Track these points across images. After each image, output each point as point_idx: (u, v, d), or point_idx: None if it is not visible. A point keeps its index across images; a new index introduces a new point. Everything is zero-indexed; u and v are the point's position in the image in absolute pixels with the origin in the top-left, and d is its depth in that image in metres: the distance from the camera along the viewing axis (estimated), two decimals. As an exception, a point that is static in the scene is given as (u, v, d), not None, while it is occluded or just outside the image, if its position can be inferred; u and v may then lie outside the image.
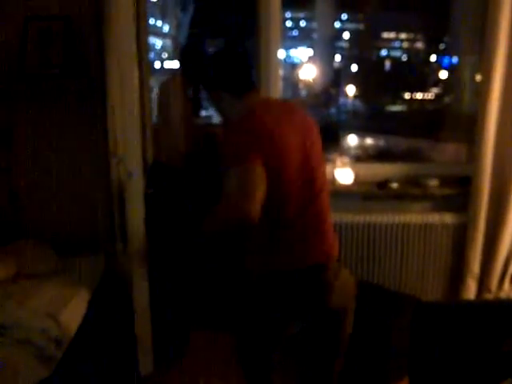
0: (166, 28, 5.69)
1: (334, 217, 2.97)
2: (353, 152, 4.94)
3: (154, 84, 3.93)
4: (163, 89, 3.72)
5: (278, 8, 3.00)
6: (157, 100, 3.76)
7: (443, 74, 5.37)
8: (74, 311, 2.47)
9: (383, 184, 3.05)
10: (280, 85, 3.14)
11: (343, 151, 4.83)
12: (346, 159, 3.13)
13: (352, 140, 5.20)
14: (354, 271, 3.08)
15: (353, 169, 3.09)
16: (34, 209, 2.92)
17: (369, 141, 5.24)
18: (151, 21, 4.80)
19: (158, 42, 5.59)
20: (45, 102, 2.82)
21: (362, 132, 5.37)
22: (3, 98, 2.81)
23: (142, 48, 3.10)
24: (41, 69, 2.77)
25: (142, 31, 3.11)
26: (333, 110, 5.99)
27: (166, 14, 5.39)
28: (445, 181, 3.10)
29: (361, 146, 5.17)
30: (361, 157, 4.44)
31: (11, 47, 2.78)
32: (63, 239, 2.90)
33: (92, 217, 2.89)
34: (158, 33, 5.62)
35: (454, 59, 4.21)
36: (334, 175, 3.07)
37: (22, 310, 2.37)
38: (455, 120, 3.65)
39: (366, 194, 3.05)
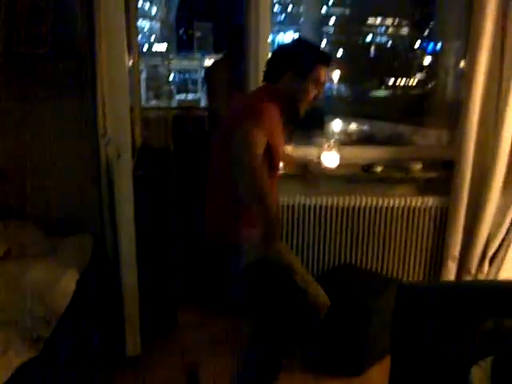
0: (153, 10, 5.65)
1: (320, 199, 3.05)
2: (337, 136, 4.96)
3: (143, 66, 3.94)
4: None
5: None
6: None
7: (427, 60, 5.41)
8: (62, 292, 2.47)
9: (367, 167, 3.09)
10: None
11: (328, 135, 4.85)
12: (333, 142, 3.16)
13: (337, 124, 5.22)
14: (338, 253, 3.13)
15: (338, 152, 3.12)
16: (22, 189, 2.91)
17: (353, 125, 5.27)
18: (139, 3, 4.76)
19: (146, 25, 5.55)
20: (32, 81, 2.79)
21: (346, 117, 5.38)
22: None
23: (132, 30, 3.09)
24: (29, 48, 2.76)
25: (132, 13, 3.10)
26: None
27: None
28: (428, 165, 3.16)
29: (345, 131, 5.19)
30: (345, 141, 4.46)
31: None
32: (52, 220, 2.90)
33: (81, 197, 2.89)
34: (146, 15, 5.57)
35: (439, 45, 4.24)
36: (320, 158, 3.10)
37: (10, 290, 2.38)
38: (438, 105, 3.70)
39: (350, 176, 3.09)
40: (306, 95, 2.15)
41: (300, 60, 2.12)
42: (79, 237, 2.88)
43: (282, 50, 2.28)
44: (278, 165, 2.26)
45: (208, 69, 4.12)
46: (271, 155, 2.11)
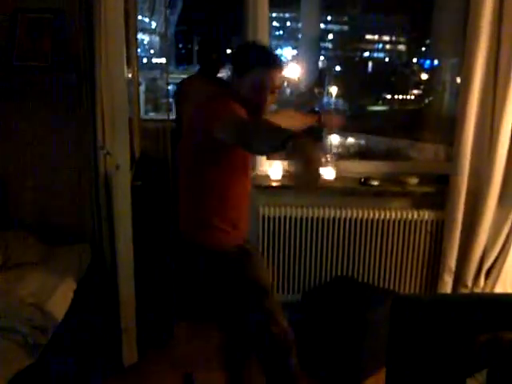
0: (153, 25, 5.71)
1: (317, 211, 3.07)
2: (335, 150, 5.00)
3: (142, 79, 3.97)
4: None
5: (265, 7, 3.05)
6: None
7: (424, 76, 5.47)
8: (59, 300, 2.49)
9: (364, 181, 3.12)
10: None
11: (326, 149, 4.88)
12: (329, 157, 3.20)
13: (334, 138, 5.26)
14: (334, 265, 3.15)
15: (335, 166, 3.15)
16: (22, 198, 2.93)
17: (350, 139, 5.30)
18: (139, 17, 4.81)
19: (145, 38, 5.61)
20: (33, 94, 2.84)
21: (344, 131, 5.42)
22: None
23: (131, 43, 3.13)
24: (29, 61, 2.79)
25: (131, 27, 3.14)
26: (317, 109, 6.05)
27: (154, 10, 5.41)
28: (424, 179, 3.19)
29: (342, 145, 5.22)
30: (342, 155, 4.50)
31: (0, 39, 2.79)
32: (50, 229, 2.92)
33: (79, 207, 2.92)
34: (146, 29, 5.63)
35: (435, 61, 4.29)
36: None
37: (8, 299, 2.39)
38: (435, 120, 3.74)
39: (347, 189, 3.11)
40: (249, 95, 1.98)
41: (238, 60, 2.03)
42: (77, 246, 2.90)
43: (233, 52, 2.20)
44: (244, 164, 2.11)
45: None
46: (231, 152, 1.98)
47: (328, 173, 3.11)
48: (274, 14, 6.17)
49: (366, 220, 3.09)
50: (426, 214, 3.11)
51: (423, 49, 5.61)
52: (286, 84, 5.84)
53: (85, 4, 2.74)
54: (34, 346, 2.23)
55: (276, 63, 2.00)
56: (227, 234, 2.10)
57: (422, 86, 5.49)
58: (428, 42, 5.21)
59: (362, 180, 3.13)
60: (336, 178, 3.13)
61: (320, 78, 6.24)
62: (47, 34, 2.82)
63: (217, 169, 2.01)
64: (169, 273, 3.14)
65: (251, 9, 3.01)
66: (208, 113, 1.95)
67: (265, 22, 3.07)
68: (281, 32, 6.71)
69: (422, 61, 5.61)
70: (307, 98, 6.09)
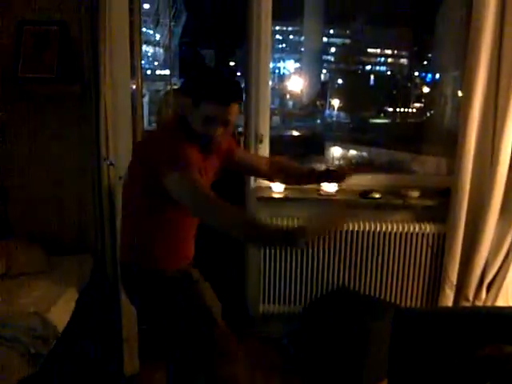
0: (157, 36, 5.75)
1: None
2: (336, 162, 5.02)
3: (146, 91, 4.00)
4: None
5: (268, 20, 3.08)
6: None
7: (426, 90, 5.50)
8: (61, 310, 2.49)
9: (366, 193, 3.13)
10: (269, 95, 3.21)
11: (326, 161, 4.91)
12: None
13: (336, 151, 5.28)
14: (336, 277, 3.15)
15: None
16: (24, 208, 2.94)
17: (352, 152, 5.33)
18: (143, 29, 4.85)
19: (149, 50, 5.65)
20: (38, 105, 2.86)
21: (345, 143, 5.45)
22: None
23: (135, 55, 3.15)
24: (34, 72, 2.82)
25: (136, 38, 3.17)
26: (318, 122, 6.09)
27: (158, 22, 5.46)
28: (425, 192, 3.19)
29: (344, 157, 5.25)
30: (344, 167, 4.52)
31: (6, 50, 2.82)
32: (53, 238, 2.93)
33: (82, 217, 2.93)
34: (150, 41, 5.68)
35: (437, 75, 4.32)
36: (319, 184, 3.14)
37: (10, 308, 2.40)
38: (436, 134, 3.76)
39: (349, 202, 3.12)
40: (198, 128, 1.86)
41: (193, 88, 1.90)
42: (79, 257, 2.91)
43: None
44: None
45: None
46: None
47: (330, 186, 3.12)
48: (276, 27, 6.21)
49: (368, 232, 3.09)
50: (428, 227, 3.11)
51: (425, 62, 5.64)
52: (288, 97, 5.89)
53: (90, 16, 2.77)
54: (36, 355, 2.23)
55: (230, 100, 1.84)
56: (170, 260, 2.06)
57: (423, 100, 5.52)
58: (429, 55, 5.25)
59: (363, 193, 3.13)
60: (337, 191, 3.14)
61: (322, 91, 6.29)
62: (52, 45, 2.85)
63: (164, 205, 1.90)
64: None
65: (254, 22, 3.04)
66: (156, 162, 1.80)
67: (268, 35, 3.10)
68: (283, 45, 6.75)
69: (423, 74, 5.65)
70: (309, 111, 6.14)
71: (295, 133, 5.67)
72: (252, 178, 3.16)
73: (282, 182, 2.59)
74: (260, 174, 2.42)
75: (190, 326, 2.02)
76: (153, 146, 1.92)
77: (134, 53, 3.02)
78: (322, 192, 3.13)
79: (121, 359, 2.74)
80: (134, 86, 3.03)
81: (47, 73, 2.82)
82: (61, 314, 2.47)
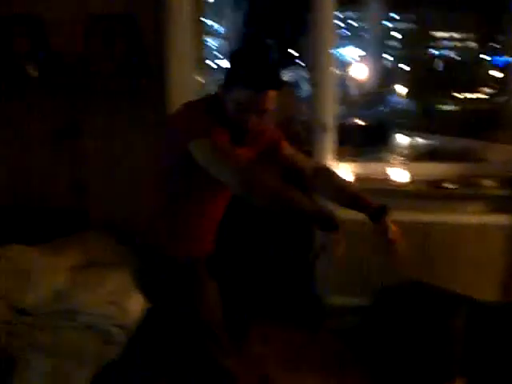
0: (220, 28, 5.78)
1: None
2: (404, 151, 4.91)
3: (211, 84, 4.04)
4: None
5: (331, 7, 3.04)
6: None
7: (496, 74, 5.29)
8: (138, 299, 2.57)
9: (438, 184, 3.05)
10: (334, 83, 3.17)
11: (394, 150, 4.82)
12: (400, 158, 3.15)
13: (402, 139, 5.17)
14: (408, 271, 3.08)
15: (407, 168, 3.10)
16: (100, 199, 3.05)
17: (419, 140, 5.20)
18: (206, 20, 4.89)
19: (212, 42, 5.70)
20: (109, 98, 2.95)
21: (412, 131, 5.32)
22: (69, 93, 2.96)
23: (199, 48, 3.19)
24: (103, 65, 2.90)
25: (199, 31, 3.20)
26: (383, 110, 5.98)
27: (221, 14, 5.49)
28: (501, 181, 3.08)
29: (412, 146, 5.13)
30: (412, 156, 4.41)
31: (76, 45, 2.92)
32: (129, 229, 3.02)
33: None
34: (213, 33, 5.72)
35: (509, 58, 4.15)
36: (387, 174, 3.09)
37: (90, 297, 2.51)
38: (510, 120, 3.61)
39: (419, 193, 3.05)
40: (230, 114, 1.69)
41: (228, 69, 1.72)
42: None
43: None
44: (225, 188, 1.78)
45: None
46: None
47: (399, 175, 3.06)
48: (338, 14, 6.13)
49: (440, 224, 3.01)
50: (503, 218, 3.00)
51: (495, 45, 5.43)
52: (351, 84, 5.80)
53: (155, 9, 2.82)
54: (115, 342, 2.33)
55: (263, 87, 1.64)
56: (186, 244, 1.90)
57: (494, 84, 5.32)
58: (500, 37, 5.05)
59: (435, 183, 3.05)
60: (408, 181, 3.07)
61: (387, 78, 6.16)
62: (121, 38, 2.93)
63: (188, 183, 1.78)
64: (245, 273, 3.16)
65: (318, 8, 3.00)
66: (182, 131, 1.68)
67: (330, 22, 3.05)
68: (345, 31, 6.65)
69: (493, 58, 5.43)
70: (373, 98, 6.03)
71: (359, 121, 5.58)
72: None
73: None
74: (302, 179, 1.99)
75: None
76: (176, 118, 1.79)
77: (198, 44, 3.06)
78: (391, 182, 3.07)
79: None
80: (199, 78, 3.06)
81: (115, 66, 2.90)
82: (137, 302, 2.55)
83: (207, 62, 4.28)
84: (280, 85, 1.70)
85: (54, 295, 2.49)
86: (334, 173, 2.02)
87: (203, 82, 3.36)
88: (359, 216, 3.00)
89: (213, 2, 5.01)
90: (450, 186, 3.03)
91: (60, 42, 2.98)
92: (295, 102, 3.50)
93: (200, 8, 3.39)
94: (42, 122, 3.08)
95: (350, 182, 1.97)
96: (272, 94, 1.66)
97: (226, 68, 1.72)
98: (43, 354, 2.13)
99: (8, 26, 3.01)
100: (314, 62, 3.10)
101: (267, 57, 1.73)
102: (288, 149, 1.97)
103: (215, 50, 5.73)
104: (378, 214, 1.92)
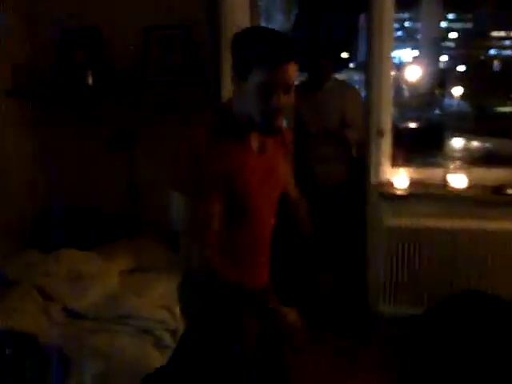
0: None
1: (447, 222, 2.92)
2: (459, 155, 4.77)
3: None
4: None
5: (391, 9, 2.97)
6: None
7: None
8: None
9: (499, 189, 2.92)
10: (390, 86, 3.09)
11: (449, 154, 4.69)
12: (458, 163, 3.04)
13: (458, 142, 5.02)
14: (466, 279, 2.97)
15: (464, 173, 2.99)
16: (154, 206, 3.08)
17: (475, 143, 5.04)
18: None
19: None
20: (164, 107, 2.97)
21: (468, 134, 5.17)
22: (127, 101, 3.01)
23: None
24: (161, 75, 2.93)
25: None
26: (438, 112, 5.83)
27: (272, 19, 5.47)
28: None
29: (466, 149, 4.98)
30: (468, 159, 4.28)
31: (134, 56, 2.97)
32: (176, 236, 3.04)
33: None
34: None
35: None
36: (446, 179, 3.00)
37: (141, 301, 2.52)
38: None
39: (480, 199, 2.93)
40: (256, 106, 1.50)
41: (236, 57, 1.53)
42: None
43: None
44: (257, 211, 1.62)
45: None
46: (237, 201, 1.55)
47: (459, 181, 2.96)
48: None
49: (501, 232, 2.89)
50: None
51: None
52: (405, 86, 5.68)
53: (211, 19, 2.83)
54: (166, 347, 2.33)
55: (286, 58, 1.47)
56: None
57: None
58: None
59: (496, 188, 2.93)
60: (467, 186, 2.96)
61: (441, 79, 6.01)
62: (176, 49, 2.96)
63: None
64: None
65: (375, 10, 2.94)
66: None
67: (390, 24, 2.97)
68: (399, 33, 6.53)
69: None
70: (428, 100, 5.88)
71: (413, 124, 5.45)
72: (373, 173, 3.07)
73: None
74: (284, 201, 1.81)
75: None
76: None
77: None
78: (449, 188, 2.97)
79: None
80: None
81: (172, 76, 2.93)
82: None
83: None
84: (295, 56, 1.51)
85: (107, 299, 2.51)
86: (305, 214, 1.90)
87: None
88: (409, 222, 2.96)
89: (264, 8, 5.01)
90: (511, 191, 2.91)
91: (118, 53, 3.04)
92: (362, 104, 3.41)
93: (255, 16, 3.39)
94: (99, 131, 3.16)
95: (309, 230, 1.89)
96: (292, 66, 1.49)
97: (236, 58, 1.53)
98: (96, 357, 2.15)
99: (70, 37, 3.08)
100: (371, 64, 3.03)
101: (275, 31, 1.58)
102: (288, 169, 1.85)
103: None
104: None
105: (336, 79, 3.70)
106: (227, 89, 2.74)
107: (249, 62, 1.48)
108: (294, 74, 1.51)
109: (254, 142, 1.61)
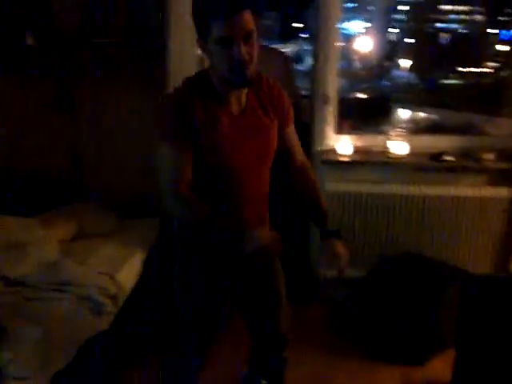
0: None
1: (388, 187, 2.99)
2: (405, 125, 4.85)
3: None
4: None
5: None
6: None
7: (503, 48, 5.19)
8: (129, 270, 2.58)
9: (437, 156, 3.00)
10: (337, 56, 3.11)
11: (395, 124, 4.76)
12: (400, 131, 3.10)
13: (404, 113, 5.10)
14: (404, 242, 3.06)
15: (407, 141, 3.05)
16: (97, 172, 3.03)
17: (422, 114, 5.12)
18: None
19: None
20: (107, 69, 2.91)
21: (415, 105, 5.24)
22: (70, 63, 2.93)
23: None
24: (105, 37, 2.86)
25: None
26: (386, 83, 5.89)
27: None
28: (500, 155, 3.03)
29: (413, 119, 5.06)
30: (414, 129, 4.35)
31: (76, 15, 2.87)
32: (122, 202, 3.00)
33: (149, 181, 2.97)
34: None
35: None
36: (387, 147, 3.05)
37: (82, 268, 2.50)
38: (512, 94, 3.54)
39: (419, 165, 3.01)
40: (219, 63, 1.56)
41: (196, 20, 1.57)
42: (147, 220, 2.97)
43: None
44: (235, 166, 1.69)
45: None
46: (211, 154, 1.64)
47: (399, 148, 3.02)
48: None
49: (439, 196, 2.98)
50: (503, 191, 2.97)
51: (502, 19, 5.32)
52: (355, 58, 5.70)
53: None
54: (107, 313, 2.32)
55: (236, 6, 1.49)
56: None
57: (499, 58, 5.21)
58: (507, 11, 4.94)
59: (435, 156, 3.01)
60: (407, 153, 3.03)
61: (391, 51, 6.06)
62: (122, 9, 2.87)
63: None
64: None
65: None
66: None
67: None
68: (351, 4, 6.53)
69: (499, 31, 5.32)
70: (377, 72, 5.93)
71: (362, 95, 5.49)
72: (317, 140, 3.10)
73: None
74: (287, 165, 1.89)
75: None
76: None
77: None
78: (391, 155, 3.03)
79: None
80: (200, 51, 3.01)
81: (116, 38, 2.85)
82: (129, 274, 2.56)
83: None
84: (252, 4, 1.54)
85: (45, 267, 2.47)
86: (314, 183, 1.90)
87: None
88: (357, 189, 3.01)
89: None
90: (450, 158, 2.99)
91: (61, 14, 2.91)
92: (291, 68, 3.40)
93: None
94: (41, 93, 3.05)
95: (320, 196, 1.88)
96: (248, 15, 1.52)
97: (195, 23, 1.57)
98: (34, 324, 2.11)
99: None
100: (318, 34, 3.04)
101: None
102: (292, 133, 1.87)
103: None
104: (329, 235, 1.82)
105: (266, 46, 3.66)
106: (173, 50, 2.69)
107: (205, 21, 1.52)
108: (251, 23, 1.53)
109: (234, 102, 1.67)
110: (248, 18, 1.52)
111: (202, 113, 1.61)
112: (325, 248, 1.81)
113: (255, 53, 1.56)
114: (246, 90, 1.68)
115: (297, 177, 1.88)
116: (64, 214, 2.85)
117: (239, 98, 1.68)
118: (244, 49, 1.52)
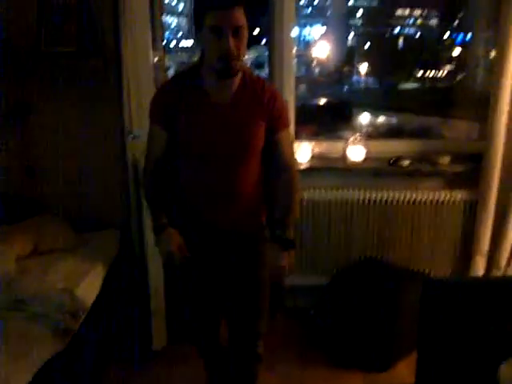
0: (180, 6, 5.64)
1: (346, 193, 3.02)
2: (365, 129, 4.91)
3: (171, 63, 3.94)
4: None
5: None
6: None
7: (457, 51, 5.31)
8: (89, 286, 2.52)
9: (394, 161, 3.04)
10: (294, 63, 3.13)
11: (355, 129, 4.81)
12: (358, 136, 3.13)
13: (364, 118, 5.17)
14: (364, 248, 3.10)
15: (365, 146, 3.08)
16: (51, 184, 2.96)
17: (381, 118, 5.20)
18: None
19: (173, 21, 5.57)
20: (61, 79, 2.85)
21: (374, 110, 5.32)
22: (20, 74, 2.85)
23: (157, 26, 3.10)
24: (57, 46, 2.80)
25: (157, 9, 3.11)
26: (345, 88, 5.95)
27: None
28: (456, 158, 3.09)
29: (373, 124, 5.13)
30: (373, 134, 4.42)
31: (27, 24, 2.80)
32: (80, 215, 2.95)
33: (108, 192, 2.93)
34: (173, 11, 5.58)
35: (468, 36, 4.16)
36: (344, 152, 3.08)
37: (40, 284, 2.43)
38: (467, 97, 3.62)
39: (376, 170, 3.04)
40: (208, 50, 1.74)
41: (194, 11, 1.77)
42: (107, 232, 2.92)
43: None
44: (207, 154, 1.85)
45: None
46: (180, 140, 1.86)
47: (357, 153, 3.05)
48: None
49: (397, 201, 3.02)
50: (459, 194, 3.03)
51: (456, 23, 5.43)
52: (314, 63, 5.75)
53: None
54: (65, 331, 2.26)
55: (229, 3, 1.67)
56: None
57: (454, 62, 5.33)
58: (460, 15, 5.05)
59: (392, 160, 3.05)
60: (365, 159, 3.06)
61: (349, 56, 6.13)
62: (73, 19, 2.82)
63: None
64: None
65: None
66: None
67: (291, 2, 2.99)
68: (309, 10, 6.58)
69: (454, 35, 5.44)
70: (336, 77, 5.99)
71: (322, 100, 5.54)
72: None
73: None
74: (272, 168, 1.96)
75: None
76: None
77: (156, 23, 2.97)
78: (348, 161, 3.06)
79: (149, 333, 2.76)
80: (157, 59, 2.98)
81: (69, 47, 2.80)
82: (89, 289, 2.50)
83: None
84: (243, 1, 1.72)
85: (1, 285, 2.40)
86: (288, 185, 1.94)
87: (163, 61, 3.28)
88: (315, 196, 3.03)
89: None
90: (406, 163, 3.03)
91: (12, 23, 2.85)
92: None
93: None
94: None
95: (293, 205, 1.96)
96: (239, 11, 1.69)
97: (193, 14, 1.77)
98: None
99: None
100: (274, 41, 3.05)
101: None
102: (282, 139, 1.91)
103: (175, 29, 5.62)
104: (282, 242, 1.93)
105: None
106: (128, 60, 2.66)
107: (202, 11, 1.70)
108: (242, 19, 1.70)
109: (219, 94, 1.83)
110: (240, 14, 1.70)
111: (184, 100, 1.81)
112: (270, 253, 1.95)
113: (243, 48, 1.73)
114: (235, 86, 1.82)
115: (276, 178, 1.94)
116: (20, 229, 2.78)
117: (224, 91, 1.83)
118: (232, 41, 1.68)
